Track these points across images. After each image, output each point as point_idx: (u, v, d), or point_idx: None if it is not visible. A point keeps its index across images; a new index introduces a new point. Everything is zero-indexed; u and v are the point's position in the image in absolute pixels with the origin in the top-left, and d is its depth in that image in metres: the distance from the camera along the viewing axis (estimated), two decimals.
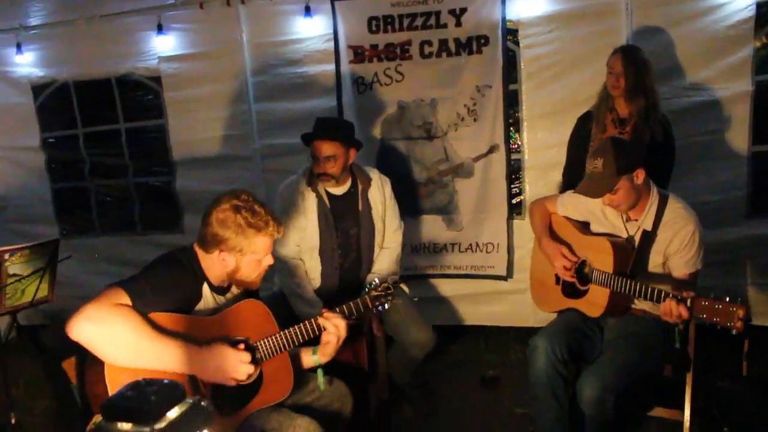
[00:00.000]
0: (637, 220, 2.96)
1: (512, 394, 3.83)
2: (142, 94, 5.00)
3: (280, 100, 4.59)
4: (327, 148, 3.31)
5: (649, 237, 2.91)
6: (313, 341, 2.57)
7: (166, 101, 4.79)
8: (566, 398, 2.97)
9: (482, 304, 4.64)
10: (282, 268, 3.45)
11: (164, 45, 4.67)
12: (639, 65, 3.50)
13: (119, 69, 4.84)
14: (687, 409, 3.10)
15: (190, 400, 1.21)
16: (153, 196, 5.23)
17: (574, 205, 3.22)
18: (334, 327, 2.53)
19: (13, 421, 3.45)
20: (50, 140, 5.25)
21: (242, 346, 2.35)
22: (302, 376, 2.67)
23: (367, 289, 2.80)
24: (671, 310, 2.59)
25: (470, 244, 4.55)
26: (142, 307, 2.15)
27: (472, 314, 4.70)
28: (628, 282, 2.76)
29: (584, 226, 3.20)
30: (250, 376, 2.34)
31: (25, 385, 4.37)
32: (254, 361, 2.35)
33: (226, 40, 4.56)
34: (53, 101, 5.11)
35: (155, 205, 5.24)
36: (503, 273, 4.50)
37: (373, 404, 3.63)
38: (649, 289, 2.66)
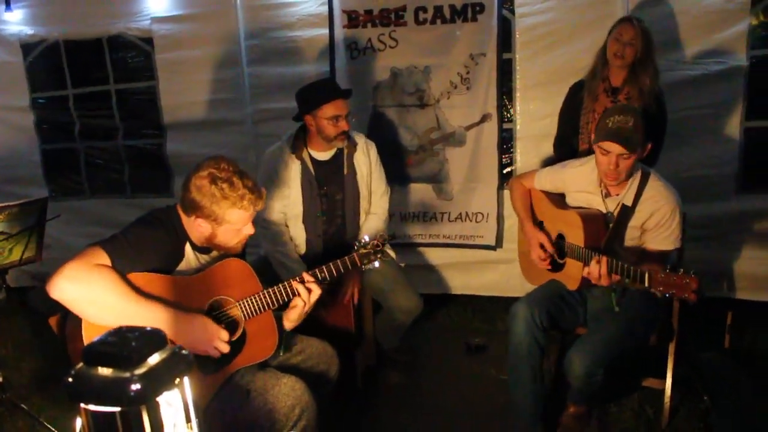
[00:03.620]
0: (618, 195, 2.97)
1: (498, 362, 3.88)
2: (133, 55, 4.98)
3: (273, 64, 4.57)
4: (346, 106, 3.36)
5: (627, 211, 2.93)
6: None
7: (158, 63, 4.76)
8: (542, 366, 3.02)
9: (471, 273, 4.67)
10: (266, 234, 3.46)
11: (157, 5, 4.64)
12: (648, 36, 3.48)
13: (111, 29, 4.80)
14: (669, 379, 3.16)
15: (171, 347, 1.23)
16: (143, 159, 5.22)
17: (551, 180, 3.25)
18: (306, 291, 2.53)
19: (0, 379, 3.47)
20: (40, 100, 5.22)
21: (223, 325, 2.36)
22: (289, 337, 2.69)
23: (356, 247, 2.82)
24: (593, 271, 2.70)
25: (460, 214, 4.58)
26: (121, 267, 2.16)
27: (461, 283, 4.74)
28: (597, 255, 2.78)
29: (560, 200, 3.22)
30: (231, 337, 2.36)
31: (13, 344, 4.40)
32: (235, 328, 2.38)
33: (220, 2, 4.53)
34: (43, 61, 5.07)
35: (145, 168, 5.23)
36: (492, 243, 4.53)
37: (360, 368, 3.68)
38: (615, 262, 2.68)
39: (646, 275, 2.52)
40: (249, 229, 2.44)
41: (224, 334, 2.32)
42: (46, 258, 3.73)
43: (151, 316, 2.13)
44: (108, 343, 1.19)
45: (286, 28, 4.49)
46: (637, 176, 2.94)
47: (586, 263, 2.82)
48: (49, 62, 5.06)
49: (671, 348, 3.16)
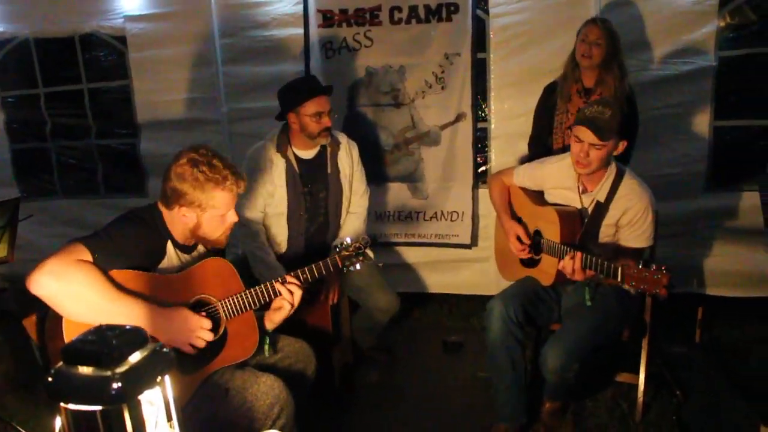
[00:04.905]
0: (592, 191, 3.00)
1: (474, 359, 3.90)
2: (106, 54, 4.90)
3: (248, 64, 4.54)
4: (327, 103, 3.36)
5: (601, 208, 2.97)
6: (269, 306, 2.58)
7: (131, 62, 4.70)
8: (523, 361, 3.05)
9: (446, 272, 4.69)
10: (244, 232, 3.44)
11: (130, 4, 4.58)
12: (614, 36, 3.54)
13: (83, 27, 4.72)
14: (642, 374, 3.20)
15: (152, 345, 1.21)
16: (116, 159, 5.15)
17: (530, 176, 3.28)
18: (288, 293, 2.53)
19: None
20: (9, 99, 5.14)
21: (204, 313, 2.34)
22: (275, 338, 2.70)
23: (338, 249, 2.81)
24: (567, 266, 2.74)
25: (435, 212, 4.59)
26: (103, 264, 2.13)
27: (436, 282, 4.75)
28: (570, 250, 2.81)
29: (538, 197, 3.25)
30: (214, 336, 2.34)
31: None
32: (216, 327, 2.36)
33: (194, 1, 4.48)
34: (13, 59, 4.97)
35: (119, 168, 5.17)
36: (467, 241, 4.55)
37: (337, 367, 3.67)
38: (589, 257, 2.71)
39: (619, 270, 2.55)
40: (232, 216, 2.42)
41: (206, 323, 2.30)
42: (17, 259, 3.66)
43: (132, 312, 2.11)
44: (88, 341, 1.17)
45: (261, 28, 4.46)
46: (612, 173, 2.97)
47: (562, 259, 2.85)
48: (19, 60, 4.96)
49: (644, 343, 3.20)
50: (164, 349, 1.22)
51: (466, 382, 3.74)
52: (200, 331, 2.28)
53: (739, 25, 4.11)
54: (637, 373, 3.22)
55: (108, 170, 5.17)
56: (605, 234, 3.01)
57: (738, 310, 4.15)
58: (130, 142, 4.96)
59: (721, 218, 4.27)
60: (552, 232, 3.02)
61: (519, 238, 3.20)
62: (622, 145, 2.90)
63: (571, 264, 2.74)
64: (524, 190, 3.31)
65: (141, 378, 1.15)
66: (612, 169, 2.97)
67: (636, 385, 3.23)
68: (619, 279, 2.55)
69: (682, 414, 3.19)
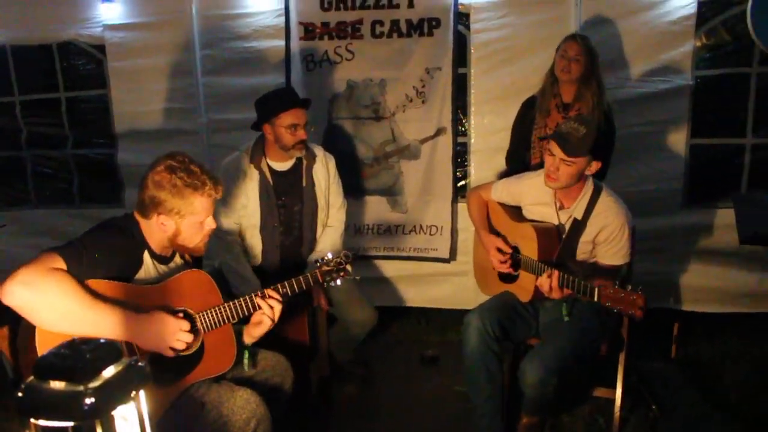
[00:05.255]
0: (569, 207, 3.01)
1: (451, 373, 3.89)
2: (84, 63, 4.85)
3: (228, 75, 4.51)
4: (304, 115, 3.34)
5: (578, 225, 2.97)
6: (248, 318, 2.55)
7: (110, 71, 4.64)
8: (500, 375, 3.04)
9: (425, 286, 4.68)
10: (220, 244, 3.41)
11: (109, 12, 4.52)
12: (593, 53, 3.58)
13: (61, 35, 4.66)
14: (619, 388, 3.20)
15: (126, 360, 1.19)
16: (93, 169, 5.07)
17: (508, 192, 3.28)
18: (269, 308, 2.51)
19: None
20: None
21: (181, 315, 2.31)
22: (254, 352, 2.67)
23: (319, 263, 2.79)
24: (544, 284, 2.76)
25: (414, 226, 4.58)
26: (77, 273, 2.09)
27: (415, 296, 4.73)
28: (548, 269, 2.82)
29: (517, 213, 3.26)
30: (189, 346, 2.31)
31: None
32: (194, 331, 2.32)
33: (175, 11, 4.45)
34: None
35: (95, 179, 5.09)
36: (446, 256, 4.54)
37: (314, 381, 3.64)
38: (566, 276, 2.72)
39: (596, 290, 2.56)
40: (211, 223, 2.41)
41: (185, 324, 2.27)
42: None
43: (108, 319, 2.08)
44: (61, 355, 1.15)
45: (242, 39, 4.44)
46: (589, 190, 2.98)
47: (539, 276, 2.86)
48: None
49: (621, 358, 3.21)
50: (139, 364, 1.20)
51: (442, 395, 3.73)
52: (179, 333, 2.25)
53: (714, 46, 4.18)
54: (614, 387, 3.23)
55: (84, 180, 5.09)
56: (582, 251, 3.02)
57: (713, 326, 4.19)
58: (108, 152, 4.89)
59: (697, 235, 4.32)
60: (530, 249, 3.02)
61: (499, 249, 3.20)
62: (595, 165, 2.90)
63: (548, 282, 2.75)
64: (502, 205, 3.31)
65: (115, 393, 1.13)
66: (589, 186, 2.99)
67: (613, 400, 3.23)
68: (595, 299, 2.56)
69: (658, 429, 3.21)
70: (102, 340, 1.21)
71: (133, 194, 4.64)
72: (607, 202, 2.96)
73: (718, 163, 4.34)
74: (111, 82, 4.67)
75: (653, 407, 3.31)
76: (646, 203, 4.10)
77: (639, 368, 3.55)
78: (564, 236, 3.00)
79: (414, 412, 3.60)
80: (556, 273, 2.74)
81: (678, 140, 4.21)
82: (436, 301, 4.68)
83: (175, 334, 2.24)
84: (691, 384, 3.54)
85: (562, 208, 3.04)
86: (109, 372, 1.14)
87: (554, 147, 2.86)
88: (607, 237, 2.94)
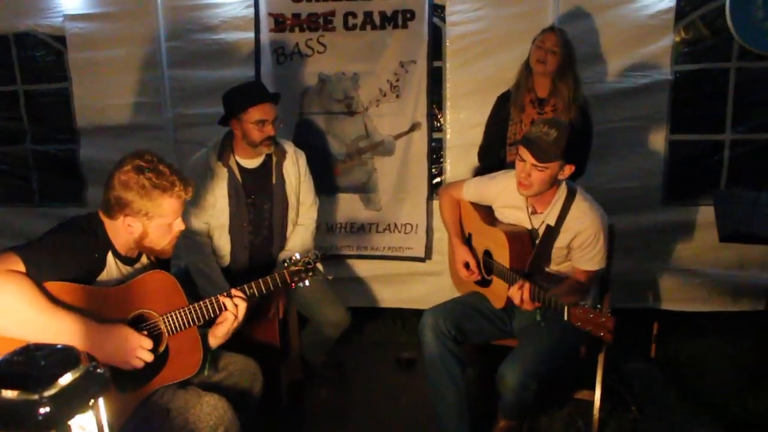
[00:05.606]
0: (542, 213, 2.99)
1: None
2: (43, 54, 4.77)
3: (195, 68, 4.46)
4: (273, 110, 3.30)
5: (551, 232, 2.96)
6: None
7: (71, 63, 4.56)
8: (463, 379, 3.03)
9: (399, 286, 4.67)
10: (187, 244, 3.37)
11: (70, 2, 4.45)
12: (570, 46, 3.59)
13: (18, 25, 4.58)
14: (598, 390, 3.22)
15: (84, 366, 1.17)
16: (53, 166, 5.00)
17: (479, 192, 3.26)
18: (233, 307, 2.48)
19: None
20: None
21: (145, 333, 2.28)
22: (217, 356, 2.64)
23: (286, 264, 2.76)
24: (515, 296, 2.75)
25: (388, 225, 4.57)
26: (36, 275, 2.05)
27: (389, 296, 4.72)
28: (520, 279, 2.81)
29: (488, 214, 3.24)
30: (153, 351, 2.27)
31: None
32: (158, 335, 2.29)
33: (139, 1, 4.38)
34: None
35: (56, 176, 5.01)
36: (421, 255, 4.54)
37: (285, 385, 3.62)
38: (537, 290, 2.72)
39: (565, 309, 2.54)
40: (180, 225, 2.39)
41: (147, 342, 2.24)
42: None
43: (66, 327, 2.04)
44: (14, 362, 1.12)
45: (210, 31, 4.39)
46: (563, 195, 2.95)
47: (511, 285, 2.85)
48: None
49: (601, 359, 3.22)
50: (98, 370, 1.17)
51: (419, 399, 3.69)
52: (140, 350, 2.22)
53: (693, 40, 4.22)
54: (594, 389, 3.24)
55: (44, 177, 5.02)
56: (557, 256, 3.01)
57: (693, 325, 4.24)
58: (69, 147, 4.82)
59: (677, 232, 4.36)
60: (501, 255, 3.01)
61: (467, 265, 3.20)
62: (568, 170, 2.86)
63: (519, 294, 2.74)
64: (474, 205, 3.29)
65: (72, 401, 1.11)
66: (562, 191, 2.96)
67: (592, 402, 3.25)
68: (565, 317, 2.55)
69: (639, 430, 3.23)
70: (58, 346, 1.19)
71: (95, 192, 4.63)
72: (581, 207, 2.93)
73: (698, 159, 4.39)
74: (72, 74, 4.60)
75: (633, 408, 3.34)
76: (624, 200, 4.13)
77: (618, 369, 3.57)
78: (537, 243, 2.98)
79: (390, 417, 3.59)
80: (527, 285, 2.73)
81: (657, 136, 4.25)
82: (411, 301, 4.67)
83: (135, 351, 2.21)
84: (672, 384, 3.58)
85: (534, 212, 3.02)
86: (66, 379, 1.12)
87: (524, 152, 2.83)
88: (581, 243, 2.92)
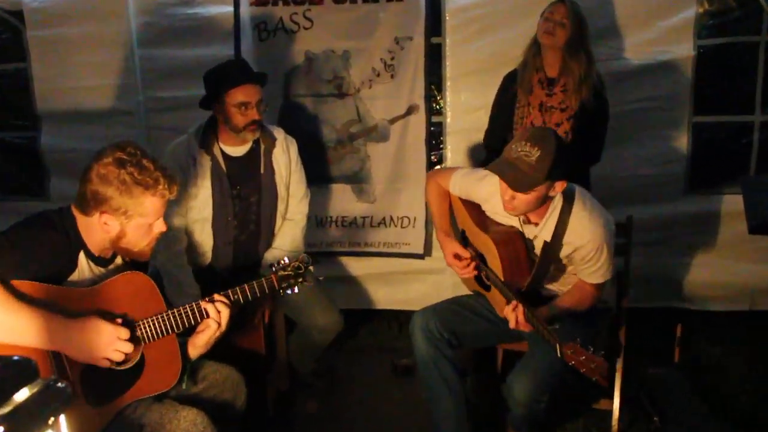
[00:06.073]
0: (536, 224, 2.90)
1: None
2: None
3: (168, 46, 4.43)
4: (257, 92, 3.29)
5: (550, 249, 2.87)
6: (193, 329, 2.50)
7: (30, 41, 4.52)
8: (460, 386, 3.03)
9: (396, 285, 4.67)
10: (162, 240, 3.33)
11: None
12: (582, 19, 3.56)
13: None
14: (616, 399, 3.23)
15: (43, 380, 1.16)
16: (11, 155, 4.96)
17: (466, 191, 3.19)
18: (216, 313, 2.45)
19: None
20: None
21: (119, 320, 2.26)
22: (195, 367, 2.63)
23: (274, 268, 2.73)
24: (510, 317, 2.71)
25: (383, 218, 4.56)
26: (1, 273, 2.06)
27: (385, 297, 4.72)
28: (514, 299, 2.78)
29: (479, 216, 3.16)
30: (127, 357, 2.25)
31: None
32: (134, 340, 2.27)
33: None
34: None
35: (14, 166, 4.98)
36: (420, 251, 4.54)
37: (271, 395, 3.63)
38: (531, 315, 2.68)
39: (557, 347, 2.51)
40: (161, 226, 2.39)
41: (123, 332, 2.22)
42: None
43: (33, 326, 2.03)
44: None
45: (184, 5, 4.36)
46: (558, 204, 2.84)
47: (508, 300, 2.82)
48: None
49: (619, 365, 3.22)
50: (59, 384, 1.16)
51: (417, 410, 3.70)
52: (117, 342, 2.20)
53: (719, 12, 4.20)
54: (611, 398, 3.24)
55: (1, 168, 4.99)
56: (557, 268, 2.99)
57: (720, 326, 4.25)
58: (29, 135, 4.79)
59: (701, 224, 4.36)
60: (494, 264, 2.97)
61: (457, 255, 3.15)
62: (559, 186, 2.75)
63: (514, 316, 2.71)
64: (464, 204, 3.22)
65: (29, 420, 1.10)
66: (558, 200, 2.84)
67: (610, 411, 3.26)
68: (558, 355, 2.51)
69: None
70: (14, 357, 1.18)
71: (59, 184, 4.61)
72: (580, 218, 2.82)
73: (724, 143, 4.38)
74: (31, 54, 4.54)
75: (655, 418, 3.34)
76: (644, 190, 4.13)
77: (639, 375, 3.57)
78: (536, 263, 2.91)
79: (385, 429, 3.59)
80: (521, 308, 2.70)
81: (679, 118, 4.24)
82: (409, 302, 4.65)
83: (113, 344, 2.19)
84: (696, 391, 3.57)
85: (527, 222, 2.93)
86: (22, 395, 1.11)
87: (501, 182, 2.73)
88: (583, 257, 2.86)
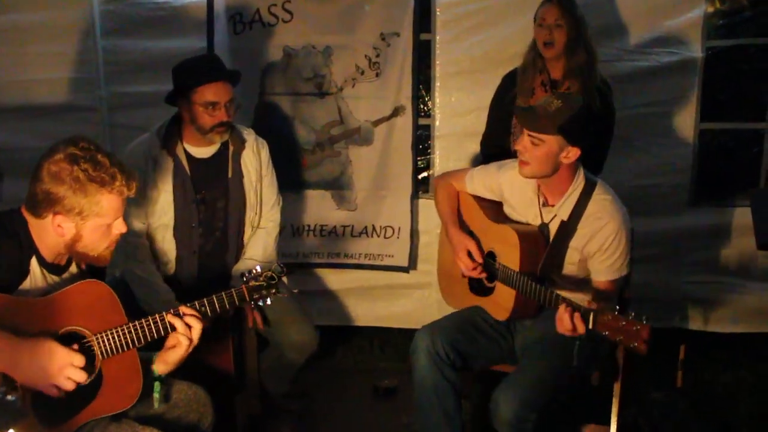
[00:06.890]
0: (554, 205, 2.99)
1: (410, 408, 3.86)
2: None
3: (135, 37, 4.42)
4: (228, 92, 3.27)
5: (566, 230, 2.94)
6: (160, 343, 2.48)
7: None
8: (459, 415, 3.03)
9: (378, 301, 4.68)
10: (123, 246, 3.33)
11: None
12: (577, 13, 3.58)
13: None
14: (614, 423, 3.21)
15: None
16: None
17: (485, 184, 3.25)
18: (185, 327, 2.43)
19: None
20: None
21: (76, 345, 2.24)
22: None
23: (245, 278, 2.74)
24: (565, 320, 2.62)
25: (365, 227, 4.58)
26: None
27: (366, 313, 4.73)
28: (533, 285, 2.81)
29: (494, 210, 3.23)
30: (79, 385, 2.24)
31: None
32: (90, 357, 2.26)
33: None
34: None
35: None
36: (404, 263, 4.55)
37: (241, 419, 3.59)
38: (554, 296, 2.71)
39: (590, 315, 2.52)
40: (120, 226, 2.36)
41: (78, 359, 2.18)
42: None
43: None
44: None
45: None
46: (579, 186, 2.94)
47: (520, 291, 2.85)
48: None
49: (616, 388, 3.22)
50: (8, 397, 1.16)
51: None
52: (69, 369, 2.16)
53: (728, 11, 4.24)
54: (608, 423, 3.25)
55: None
56: (571, 260, 3.00)
57: (726, 349, 4.27)
58: None
59: (707, 239, 4.39)
60: (510, 257, 3.00)
61: (470, 254, 3.19)
62: (573, 153, 2.83)
63: (569, 319, 2.61)
64: (478, 199, 3.29)
65: None
66: (579, 181, 2.95)
67: None
68: (590, 325, 2.53)
69: None
70: None
71: (11, 185, 4.56)
72: (601, 202, 2.92)
73: (732, 151, 4.42)
74: None
75: None
76: (646, 201, 4.15)
77: (638, 400, 3.58)
78: (550, 241, 2.98)
79: None
80: (579, 314, 2.62)
81: (685, 125, 4.27)
82: (391, 319, 4.68)
83: (64, 370, 2.16)
84: (700, 418, 3.58)
85: (546, 204, 3.02)
86: None
87: (519, 120, 2.91)
88: (600, 245, 2.89)
